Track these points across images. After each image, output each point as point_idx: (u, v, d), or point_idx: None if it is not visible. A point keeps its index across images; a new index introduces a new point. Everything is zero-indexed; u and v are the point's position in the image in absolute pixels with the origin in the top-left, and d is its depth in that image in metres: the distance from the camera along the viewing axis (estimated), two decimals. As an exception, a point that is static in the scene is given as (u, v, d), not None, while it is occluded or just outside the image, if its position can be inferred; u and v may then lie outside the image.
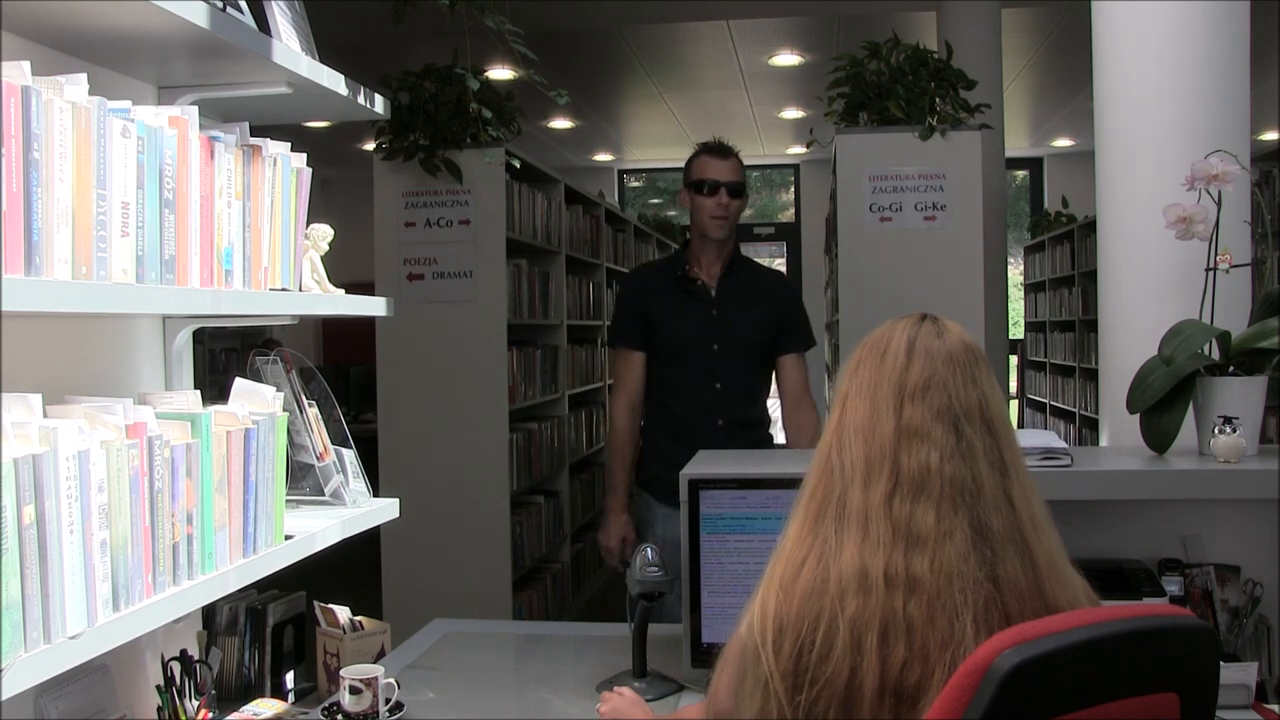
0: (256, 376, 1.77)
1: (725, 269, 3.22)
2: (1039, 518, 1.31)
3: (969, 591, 1.23)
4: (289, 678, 2.17)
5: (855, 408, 1.34)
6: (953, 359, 1.33)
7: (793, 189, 12.36)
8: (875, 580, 1.24)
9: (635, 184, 12.98)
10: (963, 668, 1.12)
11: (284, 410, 1.65)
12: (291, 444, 1.79)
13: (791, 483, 1.39)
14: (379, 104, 1.99)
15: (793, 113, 9.71)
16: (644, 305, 3.24)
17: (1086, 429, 8.08)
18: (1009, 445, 1.32)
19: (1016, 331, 10.63)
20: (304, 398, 1.86)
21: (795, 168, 12.14)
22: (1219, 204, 2.20)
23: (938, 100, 3.88)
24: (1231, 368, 2.16)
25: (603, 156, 12.10)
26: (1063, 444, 2.09)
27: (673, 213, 10.37)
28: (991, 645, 1.11)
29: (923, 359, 1.32)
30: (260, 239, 1.63)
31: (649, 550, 2.04)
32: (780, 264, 11.98)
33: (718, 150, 3.23)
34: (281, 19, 1.76)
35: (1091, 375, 7.34)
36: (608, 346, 3.35)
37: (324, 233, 1.86)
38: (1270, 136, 9.55)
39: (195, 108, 1.56)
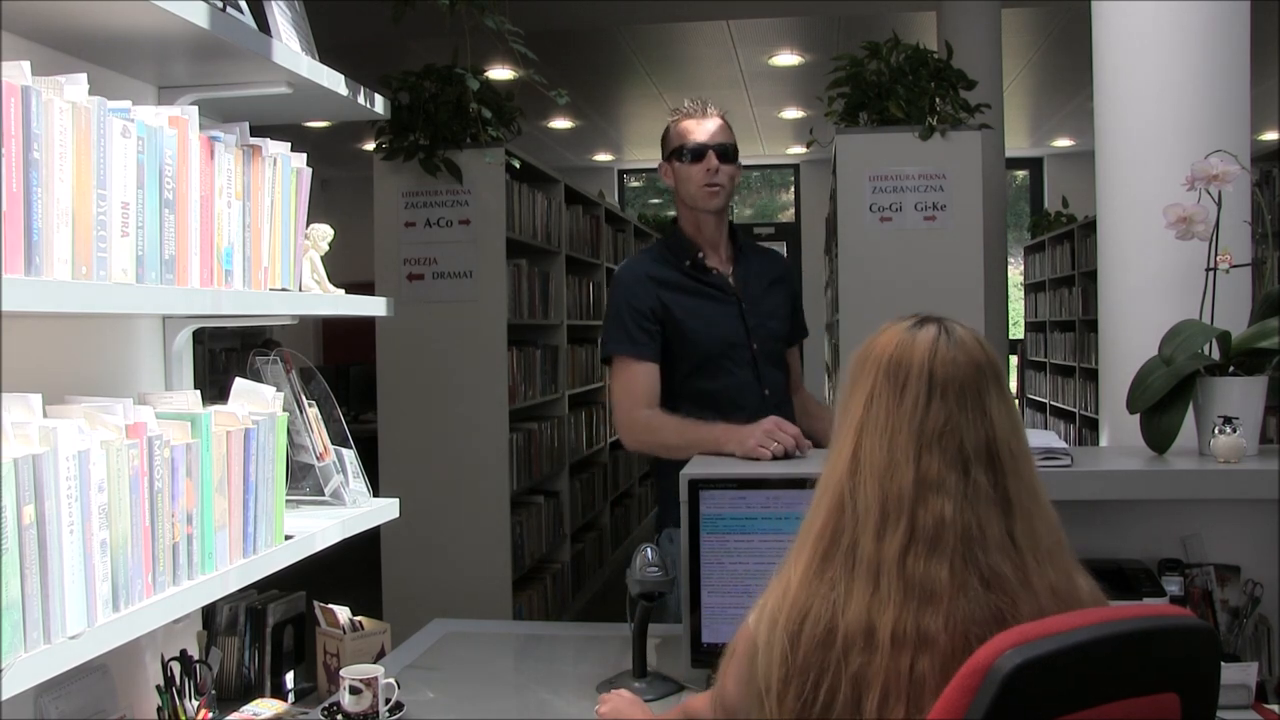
0: (256, 376, 1.77)
1: (735, 253, 2.74)
2: (1044, 547, 1.29)
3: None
4: (289, 678, 2.16)
5: (872, 447, 1.30)
6: (965, 391, 1.30)
7: (793, 189, 12.36)
8: (882, 640, 1.23)
9: (635, 184, 12.97)
10: (964, 668, 1.12)
11: (284, 410, 1.65)
12: (291, 444, 1.79)
13: (791, 483, 1.37)
14: (379, 104, 1.99)
15: (793, 113, 9.72)
16: (662, 305, 2.62)
17: (1086, 429, 8.07)
18: (1014, 475, 1.29)
19: (1016, 331, 10.63)
20: (304, 398, 1.86)
21: (795, 168, 12.14)
22: (1219, 204, 2.19)
23: (938, 100, 3.88)
24: (1231, 368, 2.16)
25: (603, 156, 12.09)
26: (1063, 444, 2.09)
27: (673, 212, 10.35)
28: (993, 646, 1.11)
29: (939, 398, 1.29)
30: (260, 239, 1.63)
31: (649, 550, 2.04)
32: (780, 264, 11.97)
33: (700, 112, 2.72)
34: (281, 19, 1.76)
35: (1091, 375, 7.34)
36: (604, 359, 2.75)
37: (324, 233, 1.86)
38: (1270, 136, 9.54)
39: (195, 108, 1.56)
